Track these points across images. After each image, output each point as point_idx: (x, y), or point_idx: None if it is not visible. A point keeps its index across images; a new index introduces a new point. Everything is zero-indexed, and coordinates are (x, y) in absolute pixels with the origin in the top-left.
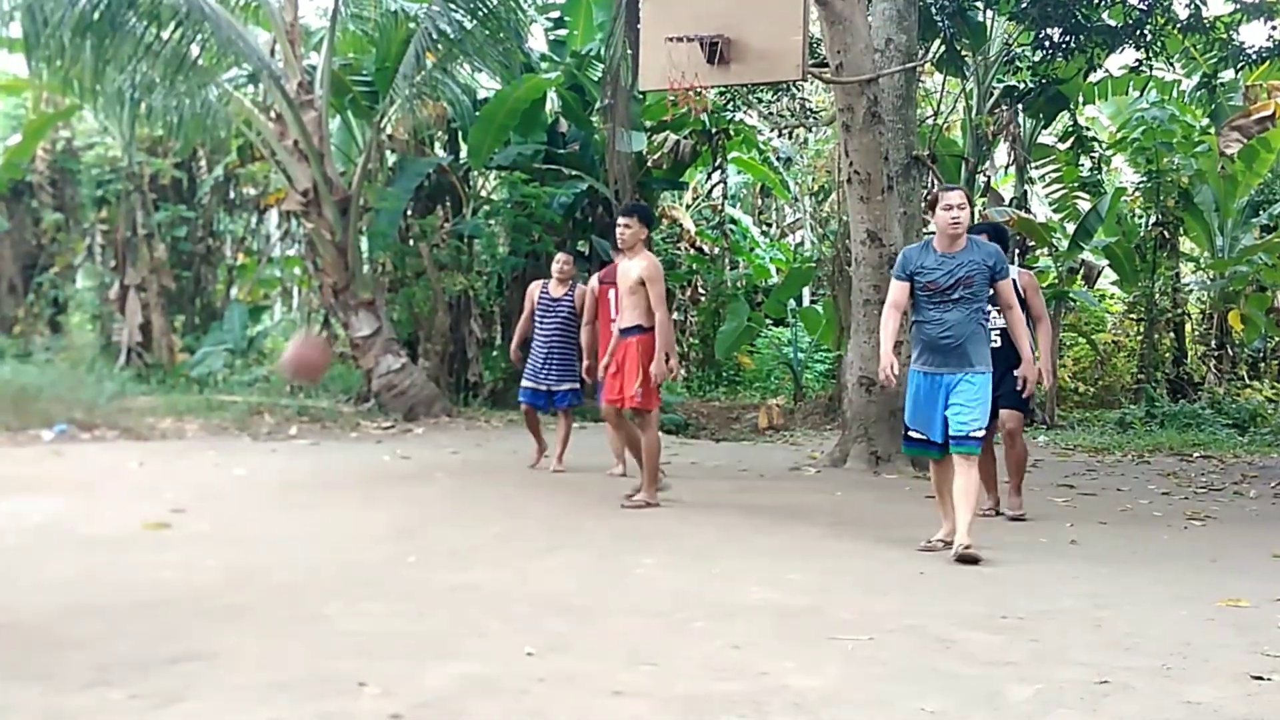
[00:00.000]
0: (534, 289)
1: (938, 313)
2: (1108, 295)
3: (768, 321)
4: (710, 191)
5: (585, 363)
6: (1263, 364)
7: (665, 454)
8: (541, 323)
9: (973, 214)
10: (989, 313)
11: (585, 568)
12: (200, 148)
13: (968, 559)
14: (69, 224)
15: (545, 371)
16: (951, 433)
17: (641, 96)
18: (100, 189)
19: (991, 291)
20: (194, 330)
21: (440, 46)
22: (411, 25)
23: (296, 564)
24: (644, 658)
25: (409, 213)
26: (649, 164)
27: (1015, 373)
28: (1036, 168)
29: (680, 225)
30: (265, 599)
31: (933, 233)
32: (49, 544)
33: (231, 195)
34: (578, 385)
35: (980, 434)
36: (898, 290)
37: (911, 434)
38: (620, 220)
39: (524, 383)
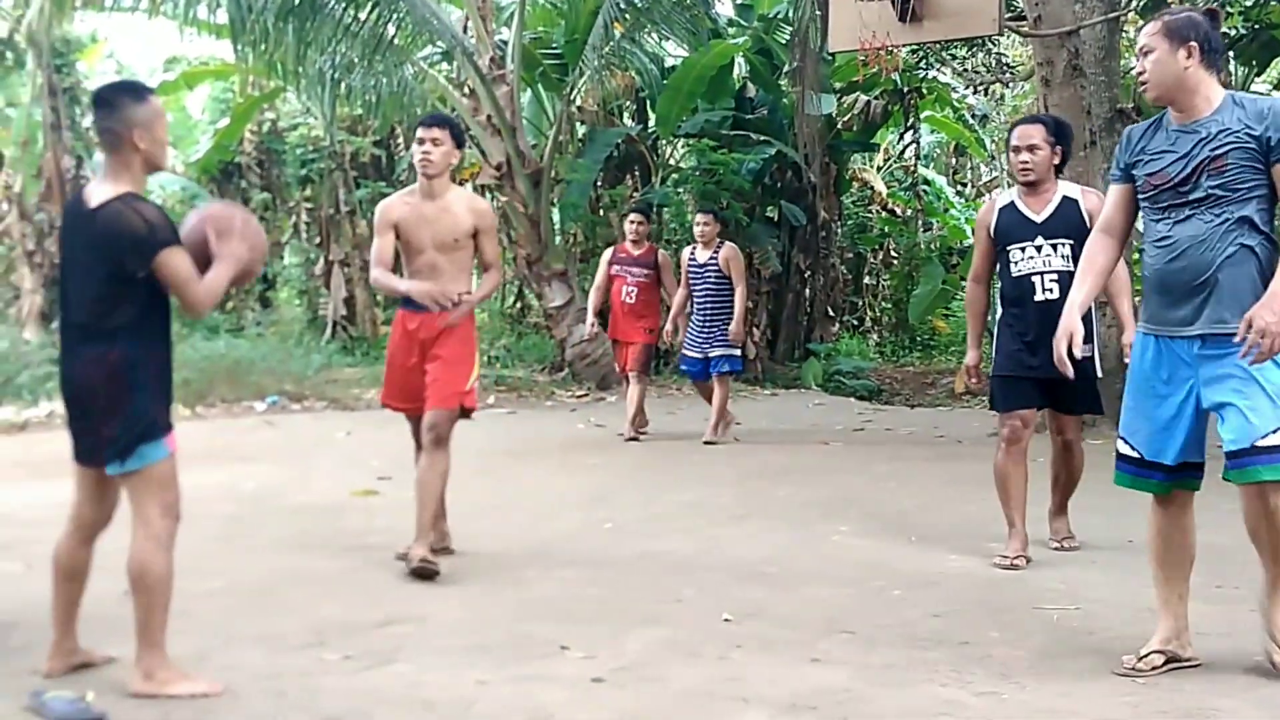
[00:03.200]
0: (682, 257)
1: (1166, 225)
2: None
3: (963, 284)
4: (902, 152)
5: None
6: None
7: (858, 420)
8: (694, 289)
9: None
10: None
11: (778, 535)
12: (398, 125)
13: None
14: (276, 203)
15: (704, 338)
16: (1227, 447)
17: (831, 58)
18: (304, 168)
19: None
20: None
21: (628, 16)
22: None
23: (496, 530)
24: (841, 625)
25: (599, 183)
26: (839, 126)
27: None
28: None
29: (871, 188)
30: (467, 564)
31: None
32: (264, 511)
33: None
34: (736, 351)
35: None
36: (1110, 205)
37: (1123, 449)
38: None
39: (685, 351)
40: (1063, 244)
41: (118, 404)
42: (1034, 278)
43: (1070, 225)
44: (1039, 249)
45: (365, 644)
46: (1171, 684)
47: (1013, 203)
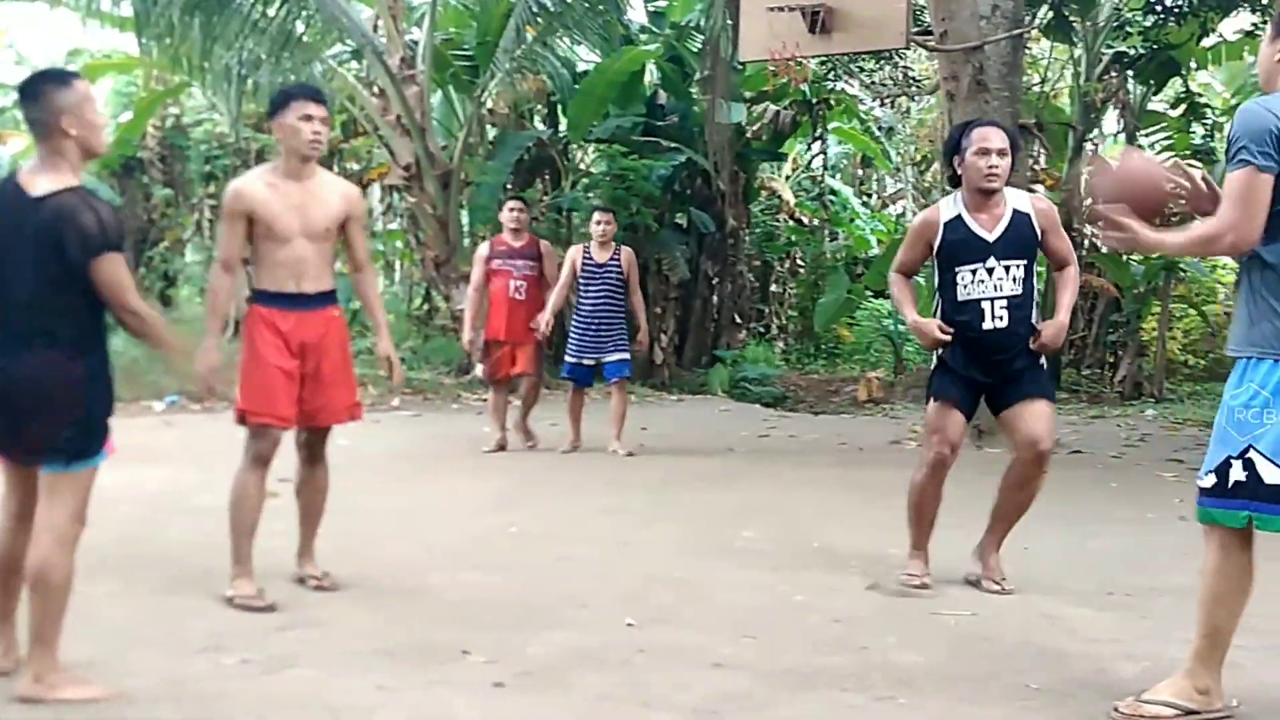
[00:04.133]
0: (576, 253)
1: None
2: (1220, 265)
3: (868, 293)
4: (810, 162)
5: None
6: None
7: (764, 426)
8: (587, 291)
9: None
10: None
11: (686, 540)
12: None
13: None
14: (178, 199)
15: (597, 344)
16: None
17: (741, 67)
18: (208, 164)
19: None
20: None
21: (540, 20)
22: None
23: (401, 535)
24: (745, 630)
25: (509, 186)
26: (748, 135)
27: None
28: (1146, 135)
29: (779, 197)
30: (371, 569)
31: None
32: (163, 512)
33: (335, 170)
34: (628, 355)
35: None
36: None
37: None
38: (512, 204)
39: (569, 358)
40: (1015, 266)
41: (74, 409)
42: (983, 303)
43: (1024, 244)
44: (990, 271)
45: (265, 648)
46: (1064, 690)
47: (960, 217)
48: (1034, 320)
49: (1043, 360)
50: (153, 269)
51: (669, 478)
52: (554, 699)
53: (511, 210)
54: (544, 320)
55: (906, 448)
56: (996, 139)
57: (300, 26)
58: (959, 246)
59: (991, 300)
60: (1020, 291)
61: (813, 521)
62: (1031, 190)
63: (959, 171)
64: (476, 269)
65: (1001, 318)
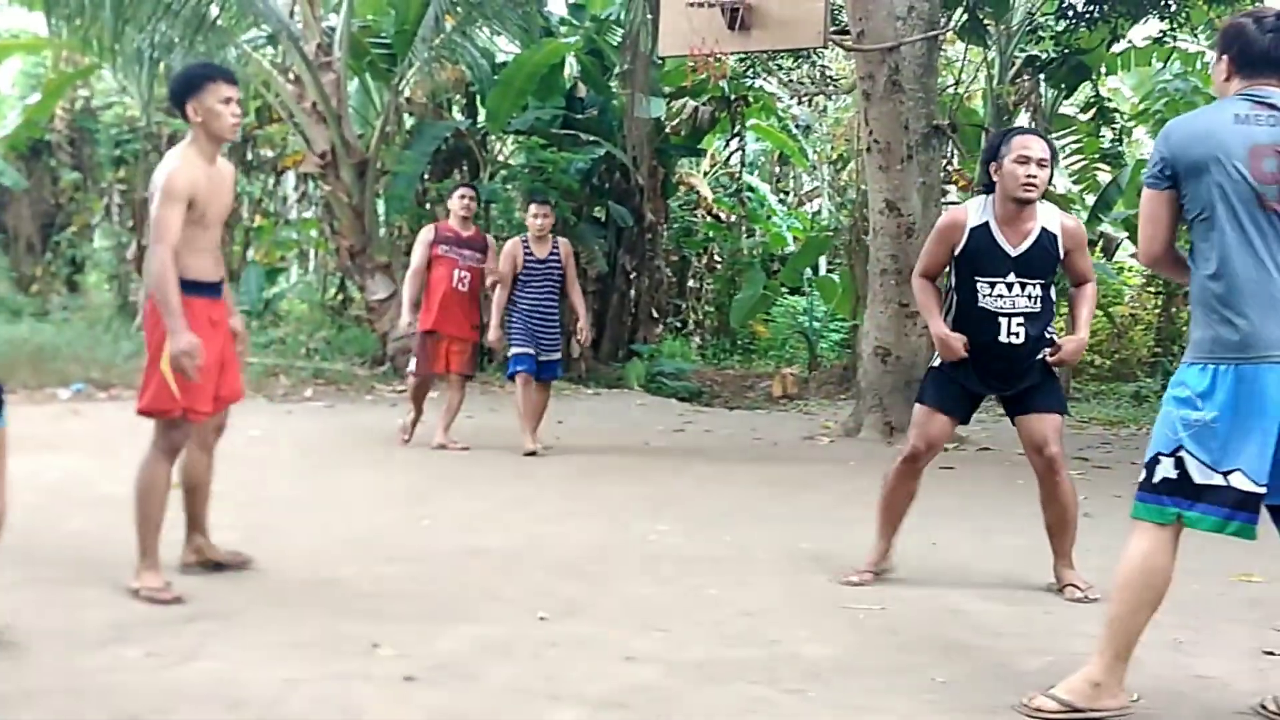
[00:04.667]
0: (515, 248)
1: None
2: (1126, 268)
3: (784, 290)
4: (728, 159)
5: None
6: None
7: (679, 421)
8: (528, 287)
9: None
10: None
11: (598, 533)
12: None
13: None
14: (87, 183)
15: (539, 340)
16: None
17: (661, 62)
18: (118, 148)
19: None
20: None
21: (459, 9)
22: None
23: (312, 526)
24: (656, 624)
25: (426, 176)
26: (667, 130)
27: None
28: (1058, 138)
29: (698, 192)
30: (280, 560)
31: (953, 201)
32: (67, 502)
33: (249, 157)
34: (560, 356)
35: None
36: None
37: (1215, 480)
38: (464, 192)
39: (518, 349)
40: (1034, 285)
41: None
42: (1000, 318)
43: (1046, 264)
44: (1009, 286)
45: (170, 640)
46: (970, 683)
47: (987, 225)
48: (1049, 334)
49: (1055, 372)
50: (60, 254)
51: (583, 471)
52: (464, 692)
53: (463, 198)
54: (494, 333)
55: (819, 443)
56: (1038, 149)
57: (215, 10)
58: (981, 256)
59: (1009, 316)
60: (1039, 309)
61: (726, 516)
62: (944, 191)
63: (994, 177)
64: (419, 252)
65: (1018, 334)
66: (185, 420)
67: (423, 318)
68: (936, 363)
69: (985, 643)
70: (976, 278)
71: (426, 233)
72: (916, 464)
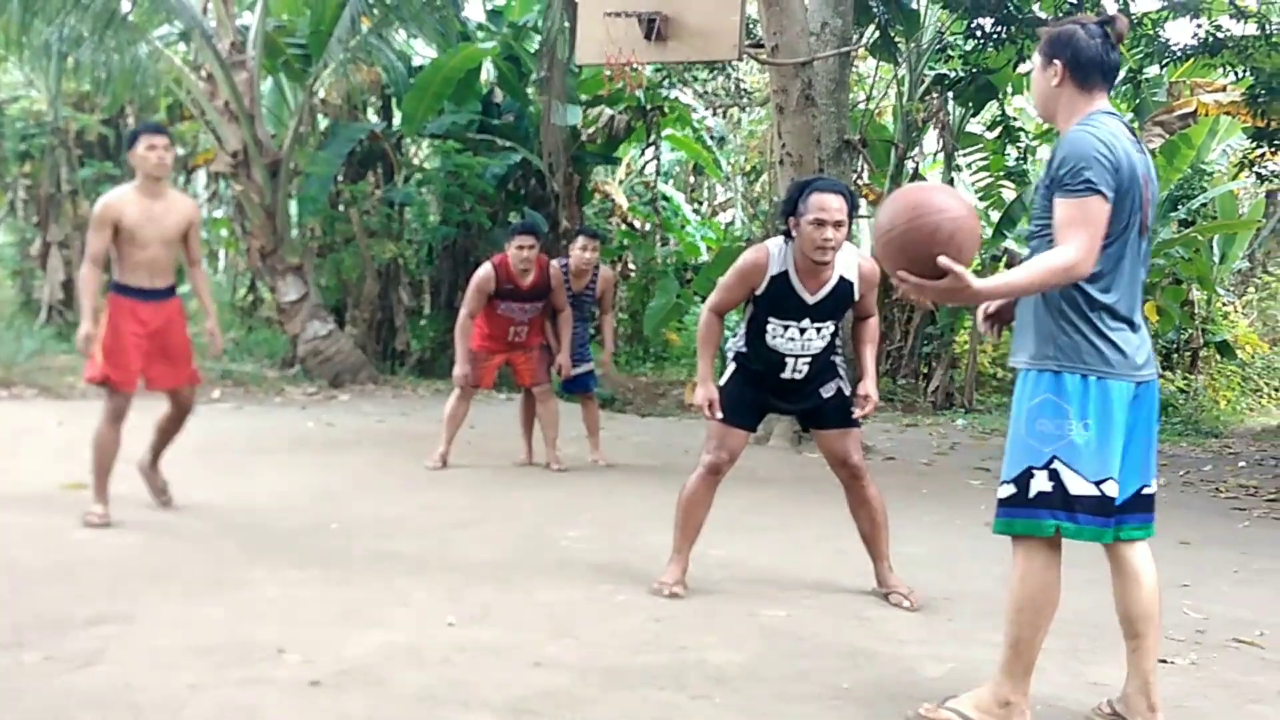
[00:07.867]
0: (556, 277)
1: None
2: None
3: (696, 299)
4: (643, 168)
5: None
6: (1175, 355)
7: None
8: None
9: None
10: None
11: (510, 539)
12: (129, 105)
13: None
14: None
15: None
16: (1146, 489)
17: (577, 70)
18: (24, 143)
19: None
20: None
21: (376, 11)
22: None
23: (218, 529)
24: (566, 630)
25: (340, 178)
26: (583, 138)
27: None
28: (964, 155)
29: (612, 200)
30: (186, 563)
31: (863, 216)
32: None
33: None
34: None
35: None
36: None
37: (1090, 491)
38: (526, 240)
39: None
40: (826, 326)
41: None
42: (787, 358)
43: (839, 308)
44: (802, 331)
45: (70, 644)
46: (874, 690)
47: (786, 274)
48: (834, 360)
49: (846, 390)
50: None
51: (494, 476)
52: (371, 698)
53: (520, 248)
54: (564, 356)
55: None
56: (835, 209)
57: (126, 5)
58: (778, 301)
59: (796, 357)
60: (823, 347)
61: (636, 522)
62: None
63: (793, 233)
64: (474, 300)
65: (801, 371)
66: (117, 390)
67: (474, 340)
68: (724, 381)
69: (889, 649)
70: (770, 318)
71: (485, 280)
72: (719, 475)
